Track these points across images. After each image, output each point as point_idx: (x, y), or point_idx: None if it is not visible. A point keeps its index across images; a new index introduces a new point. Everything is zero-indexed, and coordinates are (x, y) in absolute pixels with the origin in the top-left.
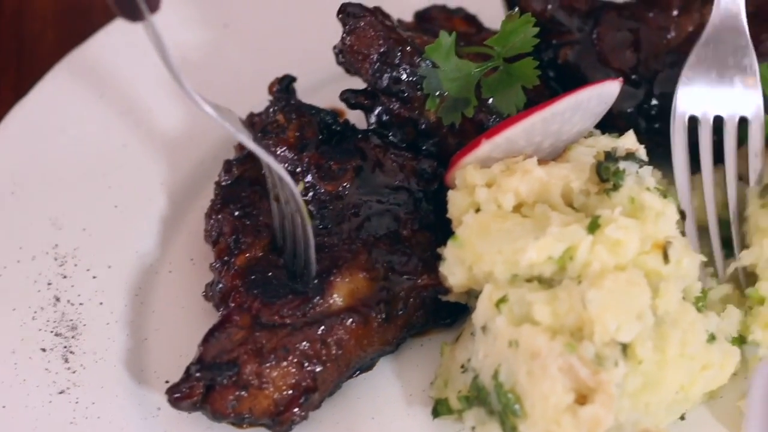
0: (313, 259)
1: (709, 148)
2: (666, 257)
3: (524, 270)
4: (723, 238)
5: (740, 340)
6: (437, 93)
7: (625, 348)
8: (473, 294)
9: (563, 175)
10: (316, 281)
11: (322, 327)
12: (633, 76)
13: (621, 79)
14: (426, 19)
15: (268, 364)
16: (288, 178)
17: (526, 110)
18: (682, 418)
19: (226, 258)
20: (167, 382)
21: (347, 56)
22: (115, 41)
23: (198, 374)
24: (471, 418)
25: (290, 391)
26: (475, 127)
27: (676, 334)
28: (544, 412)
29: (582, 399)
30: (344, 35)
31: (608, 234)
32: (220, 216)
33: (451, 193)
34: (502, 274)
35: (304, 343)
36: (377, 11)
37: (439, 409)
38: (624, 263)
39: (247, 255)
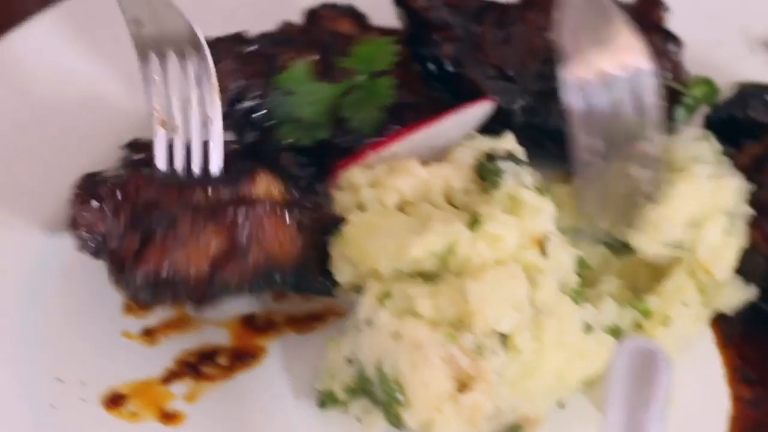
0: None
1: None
2: (543, 251)
3: (407, 266)
4: None
5: (616, 331)
6: (290, 120)
7: (504, 338)
8: (360, 290)
9: (445, 174)
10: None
11: (244, 205)
12: (511, 73)
13: (495, 98)
14: (315, 19)
15: (202, 224)
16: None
17: (410, 126)
18: (561, 405)
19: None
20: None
21: None
22: None
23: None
24: (356, 408)
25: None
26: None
27: (552, 324)
28: (427, 400)
29: (463, 387)
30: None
31: (488, 230)
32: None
33: (336, 193)
34: (387, 270)
35: (231, 211)
36: (237, 38)
37: (326, 400)
38: (503, 257)
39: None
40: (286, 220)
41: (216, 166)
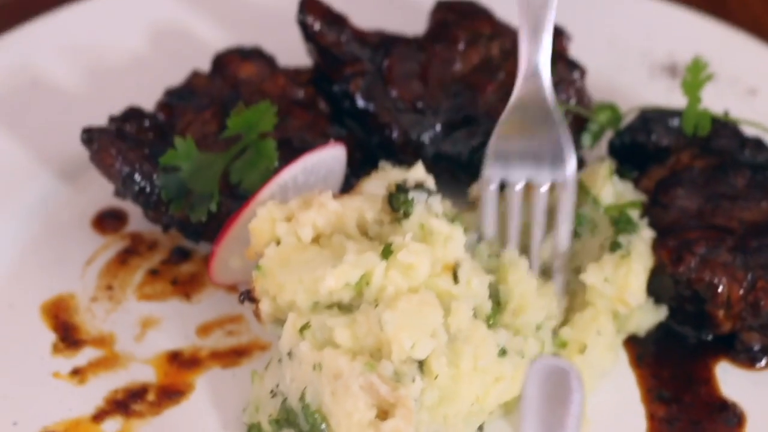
0: None
1: (518, 213)
2: (456, 278)
3: (324, 297)
4: None
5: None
6: (181, 195)
7: (421, 364)
8: (281, 323)
9: (357, 206)
10: None
11: None
12: (419, 105)
13: (342, 143)
14: (221, 65)
15: None
16: None
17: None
18: (481, 429)
19: None
20: None
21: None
22: None
23: None
24: None
25: None
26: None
27: (468, 349)
28: (349, 429)
29: (383, 414)
30: (90, 158)
31: (401, 259)
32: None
33: (252, 228)
34: (304, 302)
35: None
36: (119, 129)
37: None
38: (417, 285)
39: None
40: None
41: None
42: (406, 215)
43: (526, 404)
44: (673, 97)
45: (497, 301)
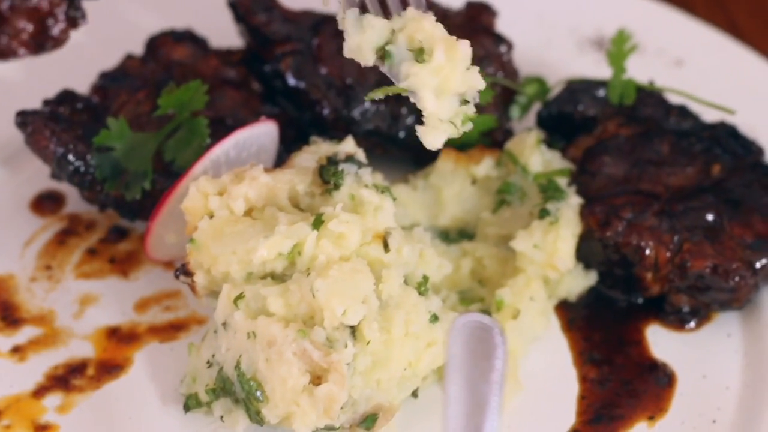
0: None
1: None
2: (386, 246)
3: (258, 268)
4: None
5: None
6: (116, 174)
7: (353, 330)
8: (216, 295)
9: (288, 179)
10: None
11: None
12: (349, 81)
13: (273, 120)
14: (154, 48)
15: None
16: None
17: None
18: (415, 395)
19: None
20: None
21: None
22: None
23: None
24: (219, 408)
25: None
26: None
27: (399, 315)
28: (284, 395)
29: (317, 380)
30: (25, 141)
31: (332, 228)
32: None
33: (186, 204)
34: (238, 273)
35: None
36: (53, 112)
37: (190, 403)
38: (348, 254)
39: None
40: None
41: None
42: (337, 186)
43: (451, 360)
44: (601, 71)
45: None
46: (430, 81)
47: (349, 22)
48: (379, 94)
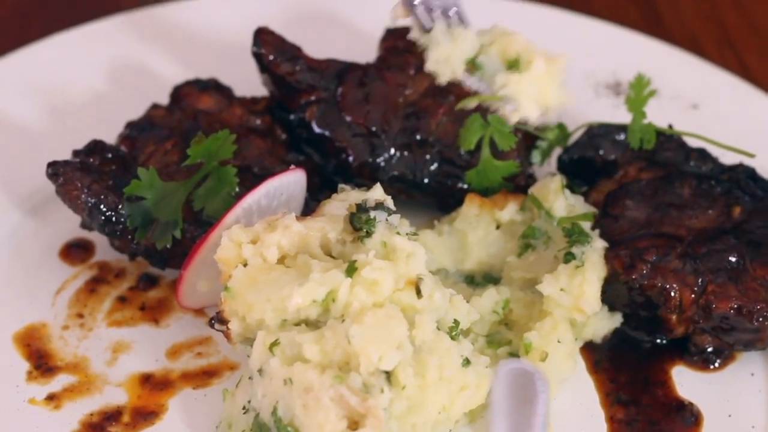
0: None
1: None
2: (419, 292)
3: (292, 315)
4: None
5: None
6: (146, 223)
7: (388, 376)
8: (250, 342)
9: (320, 227)
10: None
11: None
12: (374, 129)
13: (302, 169)
14: (179, 98)
15: None
16: None
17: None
18: None
19: None
20: None
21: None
22: None
23: None
24: None
25: None
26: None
27: (433, 360)
28: None
29: (354, 425)
30: (56, 191)
31: (365, 275)
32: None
33: (220, 253)
34: (273, 320)
35: None
36: (83, 162)
37: None
38: (381, 300)
39: None
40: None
41: None
42: (368, 234)
43: (495, 406)
44: (618, 115)
45: None
46: (529, 89)
47: (439, 32)
48: (471, 103)
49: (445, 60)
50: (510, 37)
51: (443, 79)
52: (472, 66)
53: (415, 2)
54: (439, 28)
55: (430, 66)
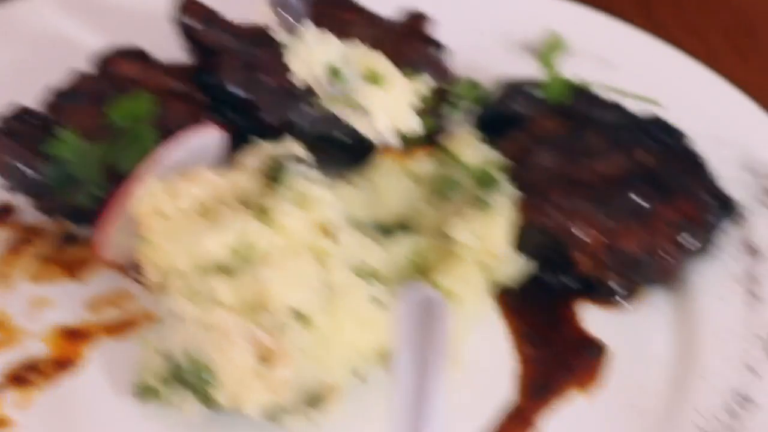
0: None
1: None
2: (331, 237)
3: (207, 261)
4: None
5: None
6: (68, 183)
7: (300, 316)
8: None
9: (235, 178)
10: None
11: None
12: (289, 88)
13: (219, 125)
14: (103, 64)
15: None
16: None
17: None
18: (362, 378)
19: None
20: None
21: None
22: None
23: None
24: (172, 396)
25: None
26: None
27: (344, 301)
28: (234, 377)
29: (266, 362)
30: None
31: (278, 222)
32: None
33: (136, 205)
34: (188, 267)
35: None
36: (7, 126)
37: (144, 393)
38: (294, 245)
39: None
40: None
41: None
42: (283, 183)
43: (397, 330)
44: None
45: None
46: (384, 104)
47: (309, 36)
48: (335, 105)
49: (308, 63)
50: (372, 56)
51: (304, 80)
52: (333, 73)
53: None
54: (304, 30)
55: (293, 66)
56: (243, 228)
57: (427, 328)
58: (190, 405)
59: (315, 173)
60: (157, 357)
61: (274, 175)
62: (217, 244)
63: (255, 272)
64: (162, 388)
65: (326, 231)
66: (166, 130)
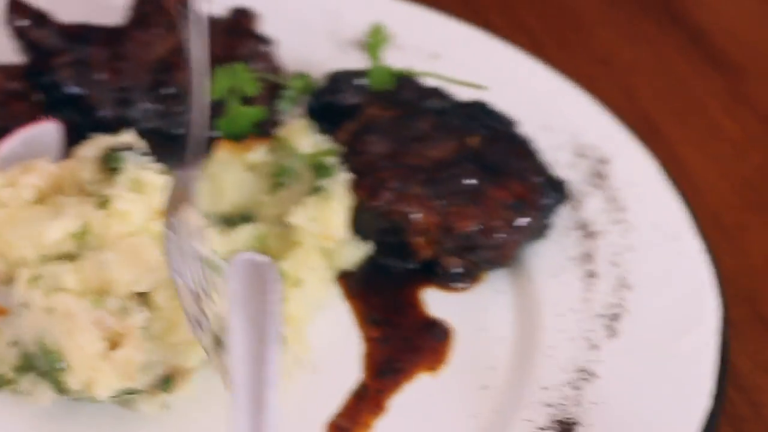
0: None
1: None
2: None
3: (51, 249)
4: None
5: None
6: None
7: (145, 298)
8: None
9: (74, 168)
10: None
11: None
12: (125, 84)
13: (55, 120)
14: None
15: None
16: None
17: None
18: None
19: None
20: None
21: None
22: None
23: None
24: (25, 384)
25: None
26: None
27: None
28: (84, 362)
29: (114, 345)
30: None
31: (117, 208)
32: None
33: None
34: (33, 256)
35: None
36: None
37: None
38: (133, 230)
39: None
40: None
41: None
42: (119, 171)
43: (230, 300)
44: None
45: None
46: None
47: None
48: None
49: None
50: None
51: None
52: None
53: None
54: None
55: None
56: (83, 215)
57: (259, 293)
58: (42, 392)
59: (148, 159)
60: (8, 347)
61: (110, 163)
62: (58, 231)
63: (97, 257)
64: (15, 377)
65: (164, 215)
66: (4, 129)
